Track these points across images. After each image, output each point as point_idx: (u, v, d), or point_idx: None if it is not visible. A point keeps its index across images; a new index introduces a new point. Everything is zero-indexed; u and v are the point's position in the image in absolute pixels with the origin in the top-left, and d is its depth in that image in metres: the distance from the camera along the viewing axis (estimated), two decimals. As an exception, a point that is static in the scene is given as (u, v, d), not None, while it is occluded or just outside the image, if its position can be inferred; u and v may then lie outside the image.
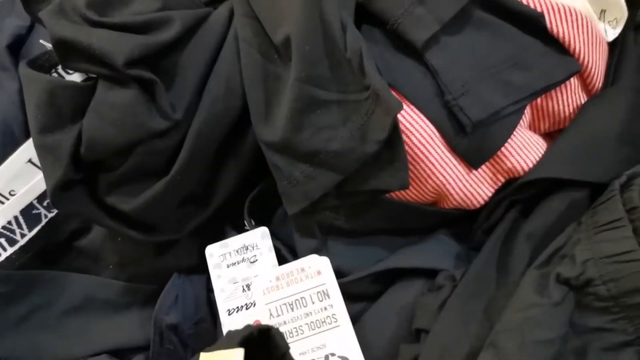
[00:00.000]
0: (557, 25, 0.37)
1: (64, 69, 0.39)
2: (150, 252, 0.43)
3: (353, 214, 0.38)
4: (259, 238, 0.39)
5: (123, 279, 0.44)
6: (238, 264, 0.38)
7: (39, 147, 0.36)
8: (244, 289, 0.37)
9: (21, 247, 0.43)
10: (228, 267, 0.38)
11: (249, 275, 0.37)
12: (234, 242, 0.39)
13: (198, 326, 0.40)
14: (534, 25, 0.37)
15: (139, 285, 0.43)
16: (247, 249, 0.38)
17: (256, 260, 0.37)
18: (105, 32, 0.33)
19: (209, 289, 0.41)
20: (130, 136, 0.34)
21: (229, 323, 0.36)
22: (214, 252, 0.39)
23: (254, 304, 0.36)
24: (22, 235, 0.43)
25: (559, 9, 0.37)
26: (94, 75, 0.37)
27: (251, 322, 0.35)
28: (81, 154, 0.35)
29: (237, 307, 0.37)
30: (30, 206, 0.44)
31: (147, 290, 0.43)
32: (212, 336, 0.40)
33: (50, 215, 0.44)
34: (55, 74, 0.39)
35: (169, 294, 0.41)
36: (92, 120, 0.35)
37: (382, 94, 0.32)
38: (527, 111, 0.39)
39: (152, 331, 0.41)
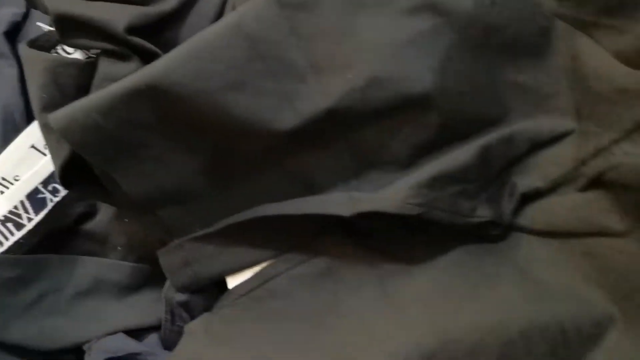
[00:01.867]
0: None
1: (64, 48, 0.39)
2: (156, 233, 0.43)
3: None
4: None
5: (132, 261, 0.44)
6: None
7: (43, 126, 0.36)
8: None
9: (29, 232, 0.43)
10: None
11: None
12: None
13: (207, 300, 0.40)
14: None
15: (148, 265, 0.43)
16: None
17: None
18: (104, 4, 0.34)
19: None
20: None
21: None
22: None
23: None
24: (29, 220, 0.43)
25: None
26: (94, 56, 0.37)
27: None
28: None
29: None
30: (35, 191, 0.44)
31: (156, 271, 0.43)
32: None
33: (56, 199, 0.44)
34: (55, 54, 0.38)
35: (179, 272, 0.41)
36: (96, 97, 0.34)
37: None
38: None
39: (163, 310, 0.41)
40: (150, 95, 0.30)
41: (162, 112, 0.31)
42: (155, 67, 0.30)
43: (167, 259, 0.35)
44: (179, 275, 0.35)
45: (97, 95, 0.31)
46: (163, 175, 0.33)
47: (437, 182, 0.31)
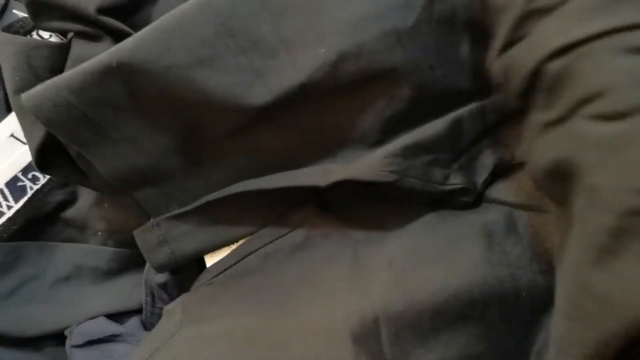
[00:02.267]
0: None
1: (39, 34, 0.39)
2: (136, 216, 0.43)
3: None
4: None
5: (112, 245, 0.44)
6: None
7: (17, 109, 0.36)
8: None
9: (8, 219, 0.43)
10: None
11: None
12: None
13: (184, 277, 0.40)
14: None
15: (128, 250, 0.44)
16: None
17: None
18: (76, -14, 0.34)
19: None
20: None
21: None
22: None
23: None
24: (9, 207, 0.43)
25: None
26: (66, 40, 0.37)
27: None
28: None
29: None
30: (15, 178, 0.44)
31: (135, 255, 0.43)
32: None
33: (35, 187, 0.44)
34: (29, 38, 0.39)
35: (157, 255, 0.41)
36: (70, 79, 0.35)
37: None
38: None
39: (143, 292, 0.41)
40: (121, 73, 0.30)
41: (133, 90, 0.31)
42: (125, 45, 0.30)
43: (144, 238, 0.35)
44: (156, 254, 0.35)
45: (69, 74, 0.31)
46: (136, 155, 0.33)
47: (410, 151, 0.31)
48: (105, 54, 0.30)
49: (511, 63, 0.29)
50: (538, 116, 0.27)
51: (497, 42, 0.30)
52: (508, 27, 0.28)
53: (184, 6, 0.32)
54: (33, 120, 0.35)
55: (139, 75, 0.30)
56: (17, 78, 0.35)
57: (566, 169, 0.24)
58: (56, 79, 0.31)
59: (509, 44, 0.29)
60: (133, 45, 0.30)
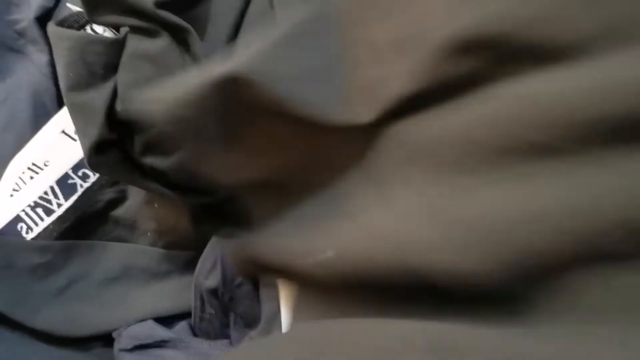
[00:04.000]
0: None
1: (93, 28, 0.38)
2: (186, 218, 0.42)
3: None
4: None
5: (161, 246, 0.43)
6: None
7: (71, 106, 0.35)
8: None
9: (58, 217, 0.42)
10: None
11: None
12: None
13: (239, 289, 0.39)
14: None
15: (177, 251, 0.42)
16: None
17: None
18: (134, -21, 0.32)
19: (249, 252, 0.40)
20: (164, 88, 0.33)
21: None
22: None
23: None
24: (59, 205, 0.43)
25: None
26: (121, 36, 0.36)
27: None
28: (116, 111, 0.34)
29: None
30: (65, 176, 0.43)
31: (186, 257, 0.42)
32: (253, 298, 0.39)
33: (86, 185, 0.44)
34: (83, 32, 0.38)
35: (208, 258, 0.40)
36: (125, 75, 0.33)
37: None
38: None
39: (192, 296, 0.40)
40: (236, 86, 0.28)
41: (247, 103, 0.29)
42: (242, 57, 0.28)
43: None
44: None
45: (179, 85, 0.29)
46: (247, 166, 0.32)
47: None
48: (218, 65, 0.28)
49: None
50: None
51: None
52: None
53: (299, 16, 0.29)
54: (86, 118, 0.35)
55: (254, 89, 0.28)
56: (72, 74, 0.34)
57: None
58: (168, 90, 0.30)
59: None
60: (251, 58, 0.28)
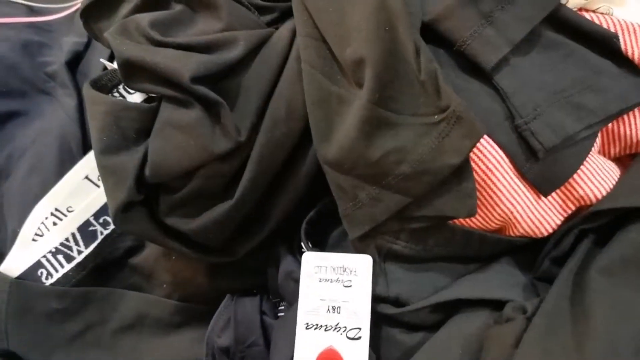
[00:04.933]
0: (632, 46, 0.35)
1: (124, 87, 0.39)
2: (203, 272, 0.43)
3: (413, 239, 0.37)
4: (361, 265, 0.37)
5: (176, 298, 0.43)
6: (331, 282, 0.37)
7: (102, 168, 0.36)
8: (328, 310, 0.36)
9: (77, 264, 0.43)
10: (320, 281, 0.37)
11: (338, 298, 0.36)
12: (334, 258, 0.37)
13: (250, 349, 0.40)
14: (607, 46, 0.35)
15: (191, 305, 0.43)
16: (344, 270, 0.37)
17: (350, 285, 0.36)
18: (171, 51, 0.33)
19: (263, 312, 0.41)
20: (194, 158, 0.34)
21: (303, 337, 0.36)
22: (310, 261, 0.37)
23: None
24: (79, 252, 0.44)
25: (634, 29, 0.36)
26: (154, 96, 0.37)
27: (325, 346, 0.35)
28: (145, 176, 0.35)
29: (316, 325, 0.36)
30: (87, 223, 0.44)
31: (199, 311, 0.43)
32: (264, 359, 0.40)
33: (106, 232, 0.44)
34: (116, 94, 0.39)
35: (222, 316, 0.41)
36: (158, 143, 0.34)
37: (465, 115, 0.31)
38: (598, 135, 0.38)
39: (204, 352, 0.40)
40: None
41: None
42: None
43: None
44: None
45: None
46: None
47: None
48: None
49: None
50: None
51: None
52: None
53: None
54: (116, 180, 0.35)
55: None
56: (105, 138, 0.35)
57: None
58: None
59: None
60: None
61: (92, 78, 0.39)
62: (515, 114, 0.34)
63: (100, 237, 0.44)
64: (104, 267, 0.44)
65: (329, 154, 0.35)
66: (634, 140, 0.38)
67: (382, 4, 0.33)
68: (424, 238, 0.37)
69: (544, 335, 0.31)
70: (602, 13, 0.37)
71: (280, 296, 0.42)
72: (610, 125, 0.38)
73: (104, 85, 0.39)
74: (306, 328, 0.36)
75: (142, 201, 0.37)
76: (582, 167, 0.35)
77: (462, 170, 0.33)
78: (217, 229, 0.36)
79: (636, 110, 0.37)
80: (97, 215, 0.44)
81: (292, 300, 0.39)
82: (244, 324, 0.40)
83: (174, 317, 0.43)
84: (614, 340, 0.30)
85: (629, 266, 0.33)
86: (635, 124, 0.38)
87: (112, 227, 0.45)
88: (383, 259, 0.38)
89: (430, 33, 0.36)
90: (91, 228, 0.44)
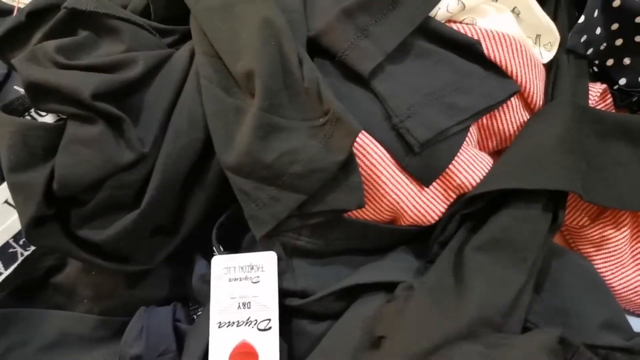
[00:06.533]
0: (493, 51, 0.40)
1: (36, 111, 0.41)
2: (123, 284, 0.44)
3: (315, 235, 0.40)
4: (267, 261, 0.40)
5: (97, 313, 0.44)
6: (240, 280, 0.39)
7: (11, 185, 0.37)
8: (239, 306, 0.38)
9: (-2, 286, 0.44)
10: (230, 281, 0.39)
11: (248, 294, 0.39)
12: (241, 258, 0.40)
13: (163, 357, 0.41)
14: (472, 51, 0.40)
15: (112, 318, 0.44)
16: (252, 268, 0.39)
17: (258, 281, 0.39)
18: (74, 72, 0.36)
19: (177, 320, 0.42)
20: (100, 170, 0.36)
21: (217, 335, 0.38)
22: (219, 263, 0.40)
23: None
24: (-1, 274, 0.44)
25: (494, 35, 0.41)
26: (64, 117, 0.39)
27: (238, 340, 0.37)
28: (54, 190, 0.37)
29: (228, 322, 0.38)
30: (6, 245, 0.45)
31: (119, 323, 0.44)
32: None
33: (26, 254, 0.45)
34: (28, 117, 0.41)
35: (134, 327, 0.41)
36: (64, 158, 0.36)
37: (343, 117, 0.35)
38: (474, 131, 0.42)
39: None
40: None
41: None
42: None
43: None
44: None
45: None
46: None
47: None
48: None
49: None
50: None
51: None
52: None
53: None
54: (25, 196, 0.37)
55: None
56: (13, 156, 0.37)
57: None
58: None
59: None
60: None
61: (3, 103, 0.41)
62: (392, 114, 0.38)
63: (20, 259, 0.45)
64: (26, 287, 0.45)
65: (229, 160, 0.38)
66: (507, 134, 0.43)
67: (267, 23, 0.37)
68: (325, 233, 0.40)
69: (426, 304, 0.34)
70: (467, 24, 0.42)
71: (198, 302, 0.44)
72: (484, 121, 0.42)
73: (15, 109, 0.41)
74: (219, 327, 0.38)
75: (55, 215, 0.38)
76: (457, 158, 0.39)
77: (349, 166, 0.37)
78: (128, 238, 0.38)
79: (507, 107, 0.42)
80: (16, 237, 0.45)
81: (206, 302, 0.41)
82: (156, 332, 0.41)
83: (95, 332, 0.44)
84: (486, 306, 0.34)
85: (499, 245, 0.37)
86: (507, 119, 0.43)
87: (32, 248, 0.46)
88: (289, 255, 0.41)
89: (317, 46, 0.40)
90: (11, 250, 0.45)
